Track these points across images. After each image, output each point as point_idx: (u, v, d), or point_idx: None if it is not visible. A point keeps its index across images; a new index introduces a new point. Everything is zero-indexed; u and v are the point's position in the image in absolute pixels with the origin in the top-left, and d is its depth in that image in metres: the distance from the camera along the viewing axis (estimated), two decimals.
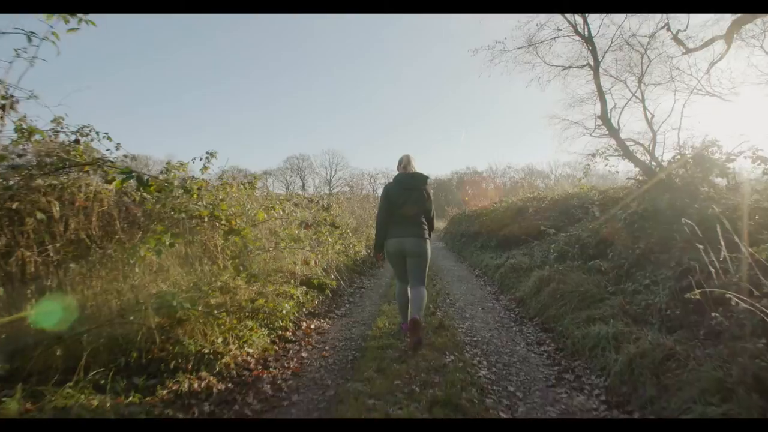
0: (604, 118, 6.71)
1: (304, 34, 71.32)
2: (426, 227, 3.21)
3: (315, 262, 4.66)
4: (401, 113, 77.66)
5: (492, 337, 3.40)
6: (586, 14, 7.13)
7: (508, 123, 74.82)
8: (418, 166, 3.36)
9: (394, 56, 75.29)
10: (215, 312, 2.68)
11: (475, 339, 3.34)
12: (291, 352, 2.94)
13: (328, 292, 4.77)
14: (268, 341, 3.03)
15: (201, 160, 4.66)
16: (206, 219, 3.13)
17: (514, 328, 3.69)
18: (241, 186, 6.36)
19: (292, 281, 4.49)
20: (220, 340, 2.63)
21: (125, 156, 2.99)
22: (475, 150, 71.54)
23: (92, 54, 64.17)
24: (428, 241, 3.19)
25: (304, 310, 3.93)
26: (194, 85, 70.12)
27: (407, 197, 3.13)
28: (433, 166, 77.48)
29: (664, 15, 7.01)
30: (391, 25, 71.10)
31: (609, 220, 5.24)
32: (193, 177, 4.77)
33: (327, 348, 3.06)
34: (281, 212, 5.43)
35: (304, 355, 2.89)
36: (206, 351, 2.42)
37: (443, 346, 2.96)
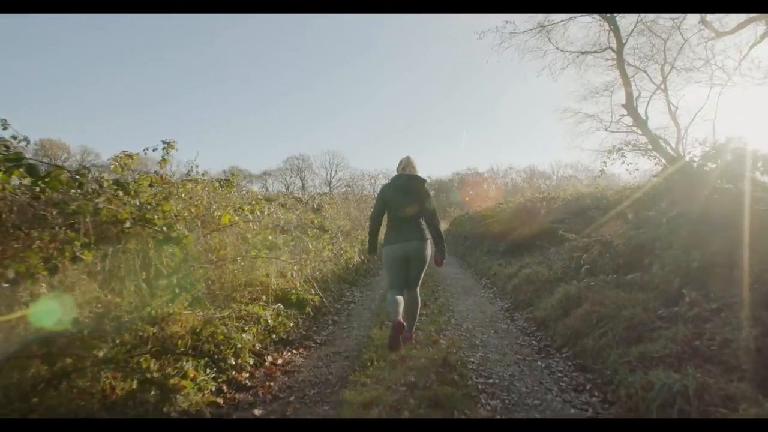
0: (630, 106, 5.91)
1: (304, 34, 70.71)
2: (425, 229, 3.04)
3: (293, 274, 3.87)
4: (401, 113, 76.98)
5: (513, 378, 2.59)
6: None
7: (509, 124, 74.08)
8: (419, 169, 3.17)
9: (394, 56, 74.63)
10: (121, 356, 1.88)
11: (491, 381, 2.53)
12: (240, 408, 2.14)
13: (309, 310, 3.97)
14: (212, 390, 2.23)
15: (154, 150, 3.88)
16: (128, 224, 2.32)
17: (539, 363, 2.88)
18: (216, 184, 5.59)
19: (264, 297, 3.70)
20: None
21: (14, 137, 2.21)
22: (476, 151, 70.77)
23: (92, 54, 63.70)
24: (429, 242, 3.03)
25: (273, 336, 3.13)
26: (194, 86, 69.54)
27: (403, 199, 2.98)
28: (433, 166, 76.80)
29: None
30: (390, 25, 70.44)
31: (643, 224, 4.44)
32: (155, 172, 4.03)
33: (292, 399, 2.25)
34: (258, 214, 4.64)
35: (257, 412, 2.09)
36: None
37: (450, 398, 2.15)
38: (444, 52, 72.45)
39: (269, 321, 3.18)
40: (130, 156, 3.57)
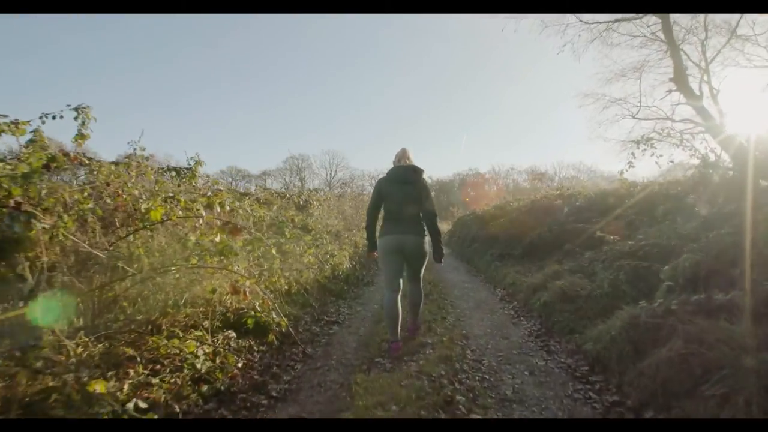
0: (680, 79, 4.84)
1: (305, 34, 69.80)
2: (423, 224, 2.92)
3: (246, 291, 2.81)
4: (403, 114, 75.88)
5: None
6: None
7: (511, 125, 73.05)
8: (416, 161, 3.05)
9: (395, 57, 73.65)
10: None
11: None
12: None
13: (273, 338, 2.91)
14: None
15: (54, 119, 2.86)
16: None
17: None
18: (172, 172, 4.64)
19: (207, 324, 2.65)
20: None
21: None
22: (477, 151, 69.62)
23: (93, 55, 62.99)
24: (427, 239, 2.94)
25: (204, 389, 2.07)
26: (195, 87, 68.63)
27: (400, 192, 2.86)
28: (435, 167, 75.59)
29: None
30: (392, 26, 69.51)
31: (717, 223, 3.37)
32: (60, 150, 3.05)
33: None
34: (218, 209, 3.61)
35: None
36: None
37: None
38: (446, 52, 71.51)
39: (198, 365, 2.12)
40: (16, 124, 2.54)
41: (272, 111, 70.51)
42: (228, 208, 3.96)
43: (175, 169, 4.97)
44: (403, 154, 3.04)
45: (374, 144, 71.75)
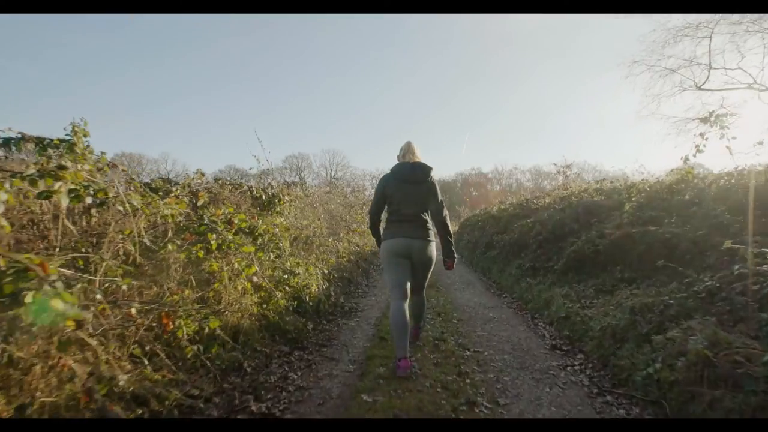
0: None
1: (310, 35, 68.25)
2: (431, 227, 2.67)
3: None
4: (405, 115, 74.21)
5: None
6: None
7: (511, 126, 71.35)
8: (423, 157, 2.80)
9: (398, 57, 71.95)
10: None
11: None
12: None
13: None
14: None
15: None
16: None
17: None
18: (24, 143, 2.93)
19: None
20: None
21: None
22: (479, 152, 67.99)
23: (97, 55, 61.94)
24: (434, 243, 2.68)
25: None
26: (197, 87, 67.47)
27: (407, 191, 2.62)
28: (436, 167, 73.55)
29: None
30: (395, 26, 67.78)
31: None
32: None
33: None
34: (63, 204, 1.93)
35: None
36: None
37: None
38: (448, 53, 69.78)
39: None
40: None
41: (273, 112, 69.18)
42: (90, 200, 2.31)
43: (37, 140, 3.24)
44: (408, 149, 2.79)
45: (375, 144, 70.17)
